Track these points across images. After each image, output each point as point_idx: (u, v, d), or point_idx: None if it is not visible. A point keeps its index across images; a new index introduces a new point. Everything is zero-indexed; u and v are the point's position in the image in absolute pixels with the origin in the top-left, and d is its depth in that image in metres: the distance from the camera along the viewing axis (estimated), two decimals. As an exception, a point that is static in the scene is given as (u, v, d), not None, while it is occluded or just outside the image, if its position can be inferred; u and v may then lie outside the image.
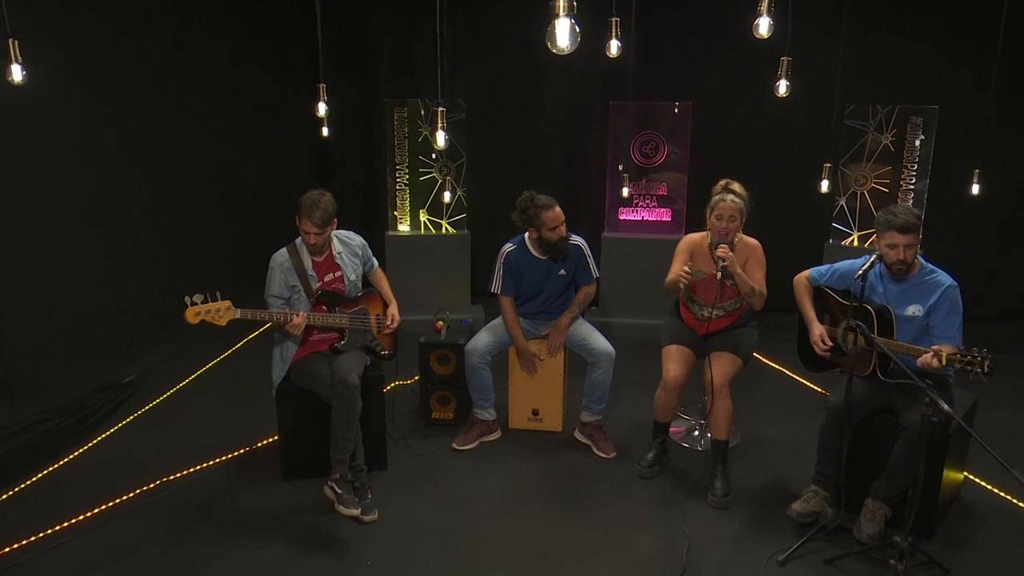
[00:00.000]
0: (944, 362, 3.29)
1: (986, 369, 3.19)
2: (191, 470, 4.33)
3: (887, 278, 3.78)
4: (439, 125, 3.69)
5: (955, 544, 3.73)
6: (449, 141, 4.08)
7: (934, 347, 3.38)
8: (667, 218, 6.80)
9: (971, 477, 4.28)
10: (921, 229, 3.69)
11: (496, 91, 7.23)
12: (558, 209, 4.45)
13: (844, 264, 3.95)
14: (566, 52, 2.20)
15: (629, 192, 6.72)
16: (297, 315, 3.83)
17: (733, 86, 6.62)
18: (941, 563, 3.49)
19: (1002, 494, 4.14)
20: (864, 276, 3.53)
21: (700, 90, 6.79)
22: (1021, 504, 4.06)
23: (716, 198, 4.17)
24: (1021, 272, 6.99)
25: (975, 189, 5.21)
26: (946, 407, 3.06)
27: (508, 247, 4.64)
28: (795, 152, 6.77)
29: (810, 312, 3.99)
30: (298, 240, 4.03)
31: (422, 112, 6.56)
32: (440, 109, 3.68)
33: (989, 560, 3.63)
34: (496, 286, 4.64)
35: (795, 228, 6.70)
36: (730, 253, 4.02)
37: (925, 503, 3.66)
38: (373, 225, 7.52)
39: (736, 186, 4.17)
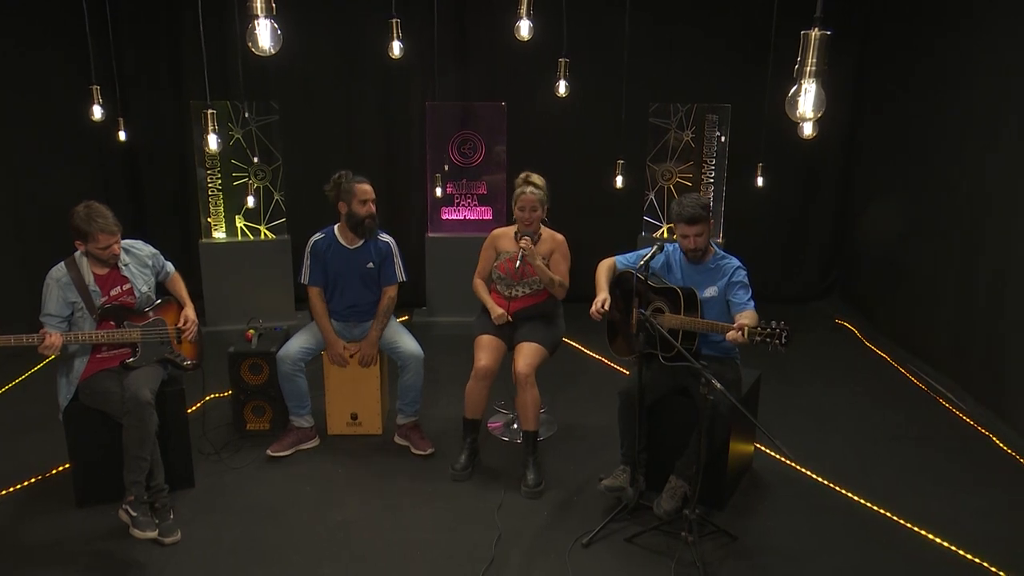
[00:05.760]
0: (747, 336, 3.52)
1: (783, 340, 3.43)
2: (-29, 505, 4.00)
3: (685, 263, 4.02)
4: (210, 128, 3.56)
5: (744, 513, 4.01)
6: (249, 143, 3.95)
7: (738, 323, 3.61)
8: (488, 216, 6.93)
9: (761, 449, 4.61)
10: (711, 217, 3.93)
11: (312, 91, 7.10)
12: (369, 186, 4.49)
13: (648, 251, 4.15)
14: (269, 54, 2.21)
15: (445, 192, 6.79)
16: (49, 335, 3.59)
17: (541, 86, 6.78)
18: (728, 531, 3.75)
19: (788, 463, 4.48)
20: (647, 265, 3.73)
21: (512, 91, 6.94)
22: (805, 471, 4.41)
23: (518, 191, 4.40)
24: (812, 257, 7.62)
25: (759, 182, 5.61)
26: (718, 385, 3.28)
27: (316, 236, 4.64)
28: (605, 149, 7.02)
29: (602, 283, 4.13)
30: (77, 253, 3.79)
31: (245, 114, 6.35)
32: (210, 111, 3.55)
33: (773, 525, 3.92)
34: (304, 276, 4.62)
35: (608, 221, 6.98)
36: (531, 245, 4.26)
37: (716, 476, 3.92)
38: (187, 233, 7.20)
39: (535, 178, 4.40)
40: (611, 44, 6.17)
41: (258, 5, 2.06)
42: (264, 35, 2.11)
